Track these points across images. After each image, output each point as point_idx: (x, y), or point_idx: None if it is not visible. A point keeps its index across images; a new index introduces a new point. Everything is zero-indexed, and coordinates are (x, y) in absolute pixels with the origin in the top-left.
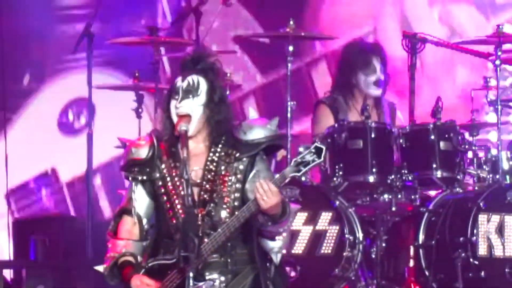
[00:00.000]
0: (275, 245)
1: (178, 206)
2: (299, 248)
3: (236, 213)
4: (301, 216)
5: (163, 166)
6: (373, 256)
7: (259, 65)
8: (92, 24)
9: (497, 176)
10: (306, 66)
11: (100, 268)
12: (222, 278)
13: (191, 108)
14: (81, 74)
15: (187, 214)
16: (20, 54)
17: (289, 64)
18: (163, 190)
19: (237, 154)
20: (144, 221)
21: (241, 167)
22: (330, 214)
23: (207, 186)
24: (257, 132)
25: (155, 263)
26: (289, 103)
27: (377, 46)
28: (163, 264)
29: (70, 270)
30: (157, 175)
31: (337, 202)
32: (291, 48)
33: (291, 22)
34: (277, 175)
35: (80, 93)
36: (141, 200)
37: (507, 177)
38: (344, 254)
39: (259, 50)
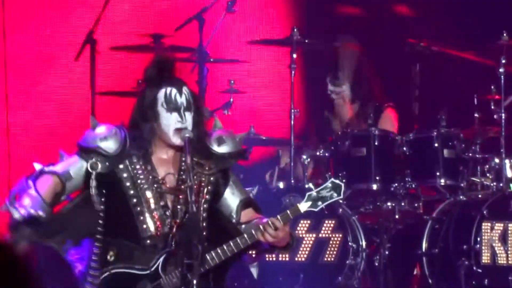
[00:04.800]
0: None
1: (154, 211)
2: (302, 255)
3: (236, 239)
4: (305, 224)
5: (132, 166)
6: (376, 264)
7: None
8: (94, 30)
9: (501, 184)
10: None
11: None
12: None
13: (190, 123)
14: None
15: (191, 220)
16: None
17: (293, 72)
18: (132, 192)
19: (212, 166)
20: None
21: (212, 179)
22: (333, 221)
23: (181, 196)
24: (229, 145)
25: (119, 271)
26: (292, 111)
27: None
28: (131, 274)
29: None
30: (125, 174)
31: (340, 210)
32: (294, 56)
33: (295, 30)
34: (289, 210)
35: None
36: (76, 183)
37: (511, 185)
38: (347, 262)
39: None
